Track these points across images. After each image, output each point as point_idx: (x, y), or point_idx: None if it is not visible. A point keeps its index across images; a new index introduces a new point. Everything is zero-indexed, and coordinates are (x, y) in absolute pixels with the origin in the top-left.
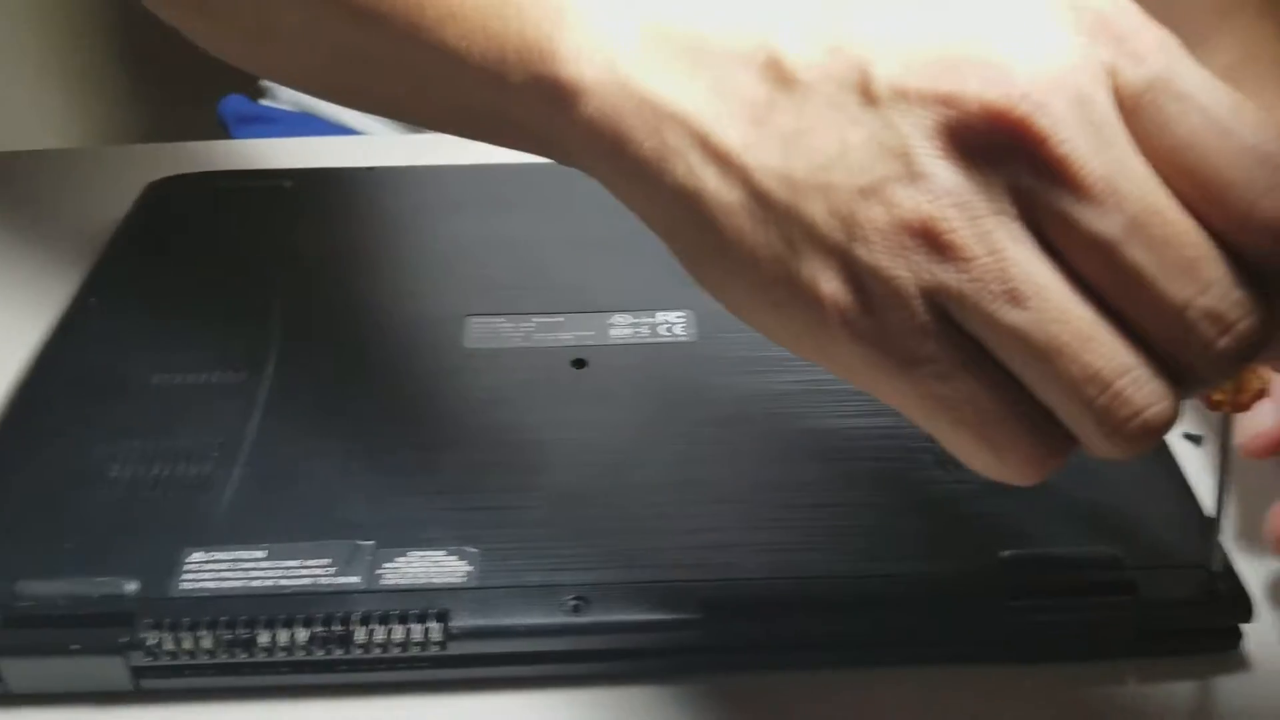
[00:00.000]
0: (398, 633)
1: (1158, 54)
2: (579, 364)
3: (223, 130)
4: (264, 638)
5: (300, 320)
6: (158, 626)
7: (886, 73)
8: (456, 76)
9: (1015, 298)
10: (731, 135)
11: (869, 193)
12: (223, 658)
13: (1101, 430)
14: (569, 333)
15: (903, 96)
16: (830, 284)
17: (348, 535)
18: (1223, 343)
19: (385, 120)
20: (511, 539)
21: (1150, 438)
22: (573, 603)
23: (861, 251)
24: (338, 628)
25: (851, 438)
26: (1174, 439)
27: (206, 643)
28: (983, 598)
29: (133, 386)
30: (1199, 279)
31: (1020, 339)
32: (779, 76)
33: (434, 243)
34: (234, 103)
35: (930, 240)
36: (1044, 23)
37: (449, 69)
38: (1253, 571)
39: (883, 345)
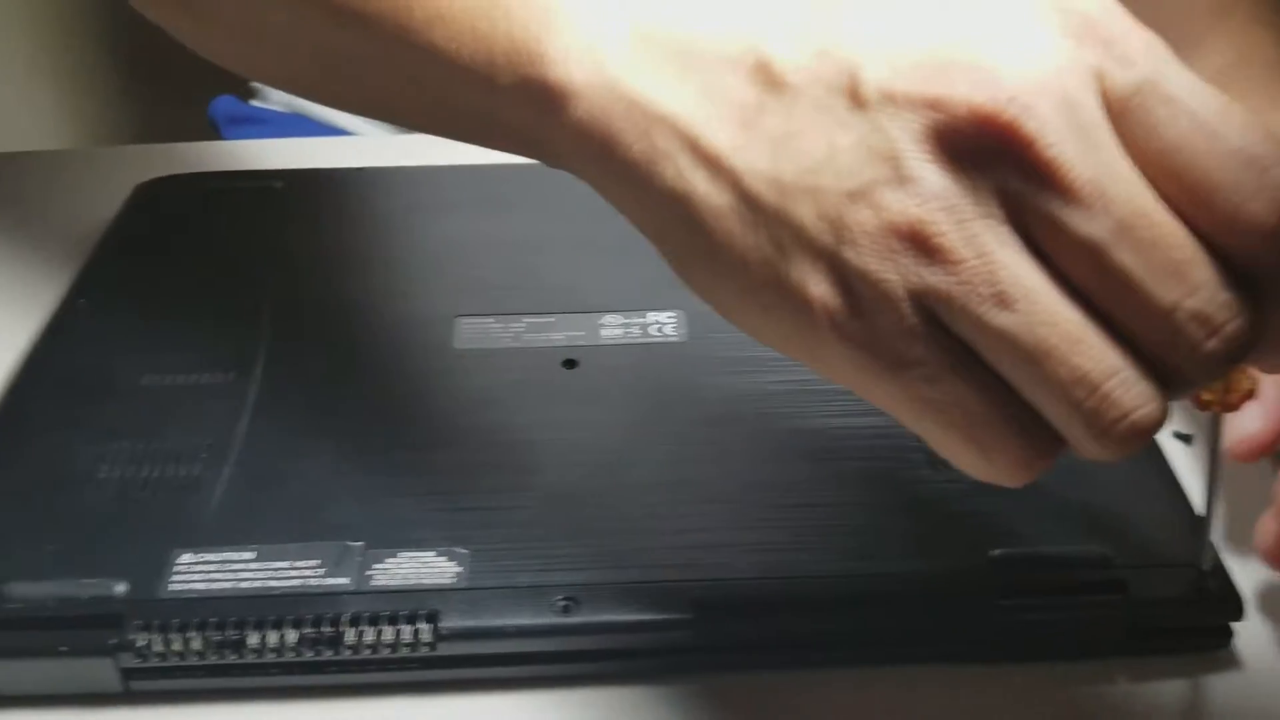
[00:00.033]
0: (387, 634)
1: (1145, 57)
2: (569, 364)
3: (213, 131)
4: (253, 639)
5: (290, 321)
6: (147, 628)
7: (874, 76)
8: (445, 78)
9: (1003, 300)
10: (721, 138)
11: (857, 196)
12: (212, 659)
13: (1090, 432)
14: (559, 333)
15: (890, 100)
16: (819, 287)
17: (337, 536)
18: (1210, 345)
19: (376, 121)
20: (501, 539)
21: (1138, 439)
22: (562, 603)
23: (850, 254)
24: (327, 629)
25: (841, 437)
26: (1164, 438)
27: (196, 644)
28: (973, 597)
29: (122, 388)
30: (1187, 281)
31: (1008, 341)
32: (768, 79)
33: (424, 243)
34: (225, 104)
35: (918, 243)
36: (1031, 26)
37: (437, 71)
38: (1243, 570)
39: (871, 348)
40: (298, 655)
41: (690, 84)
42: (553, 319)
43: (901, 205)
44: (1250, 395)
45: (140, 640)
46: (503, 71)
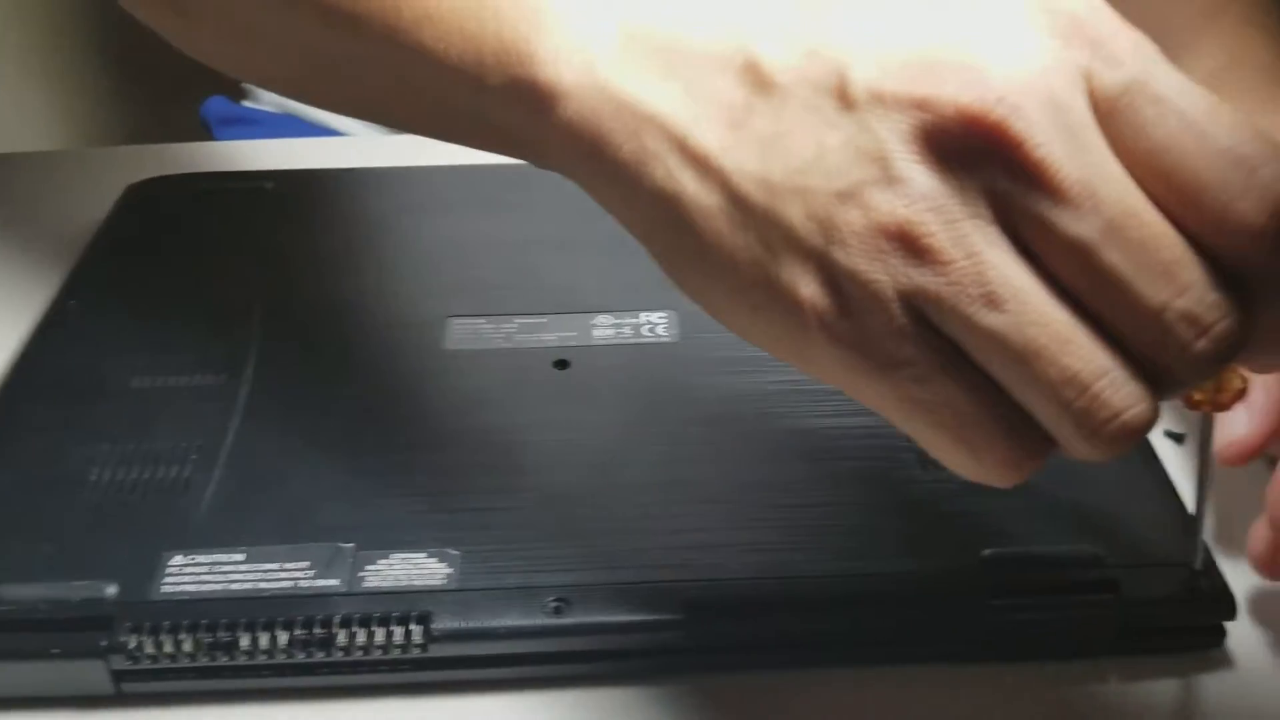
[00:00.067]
0: (379, 635)
1: (1133, 57)
2: (561, 365)
3: (205, 132)
4: (245, 641)
5: (281, 322)
6: (138, 630)
7: (863, 76)
8: (433, 79)
9: (993, 301)
10: (710, 138)
11: (846, 197)
12: (204, 661)
13: (1080, 432)
14: (551, 334)
15: (879, 100)
16: (808, 287)
17: (328, 538)
18: (1200, 345)
19: (367, 122)
20: (493, 540)
21: (1129, 439)
22: (554, 604)
23: (839, 255)
24: (319, 630)
25: (833, 438)
26: (1156, 437)
27: (187, 646)
28: (965, 597)
29: (112, 389)
30: (1176, 281)
31: (998, 342)
32: (756, 80)
33: (415, 244)
34: (216, 104)
35: (907, 244)
36: (1019, 26)
37: (426, 71)
38: (1235, 569)
39: (861, 348)
40: (289, 657)
41: (679, 84)
42: (544, 319)
43: (890, 206)
44: (1242, 395)
45: (131, 642)
46: (492, 71)
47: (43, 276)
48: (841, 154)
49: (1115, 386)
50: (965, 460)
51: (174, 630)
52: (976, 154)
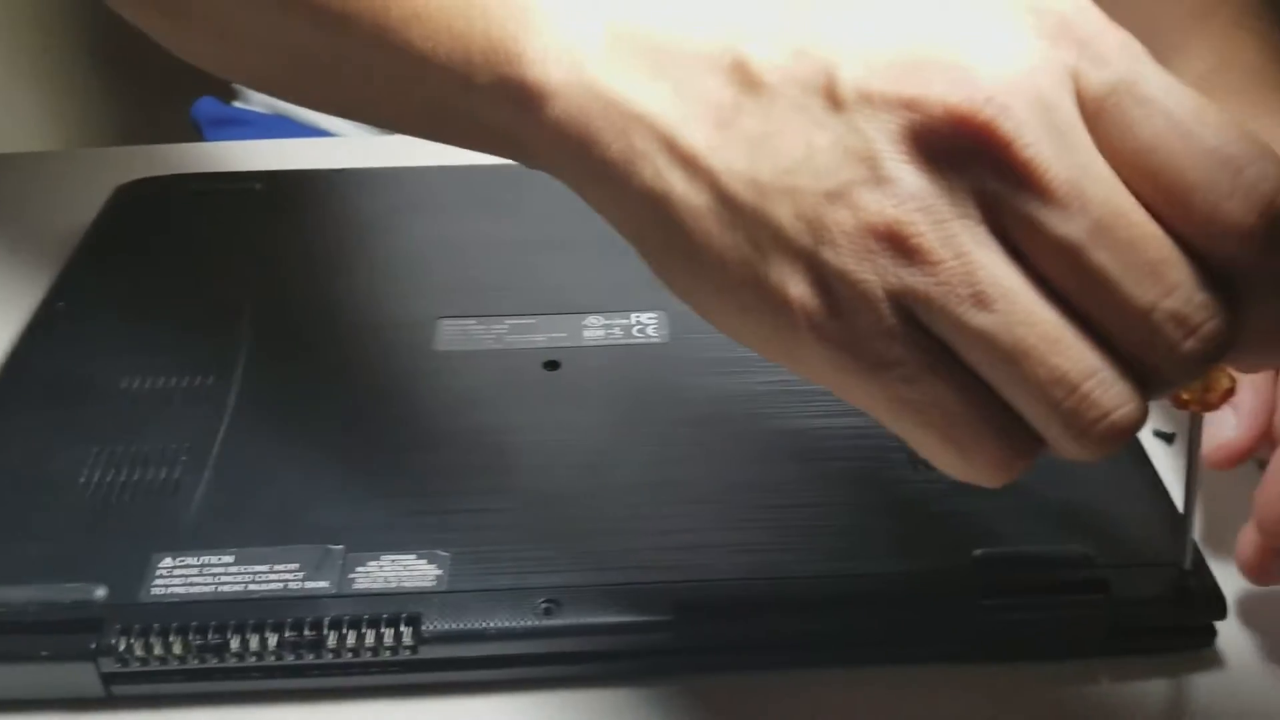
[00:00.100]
0: (368, 637)
1: (1120, 57)
2: (551, 366)
3: (196, 132)
4: (234, 643)
5: (270, 323)
6: (128, 632)
7: (851, 76)
8: (422, 78)
9: (981, 301)
10: (698, 138)
11: (835, 197)
12: (193, 663)
13: (1069, 432)
14: (541, 334)
15: (867, 100)
16: (798, 287)
17: (318, 539)
18: (1188, 345)
19: (357, 122)
20: (483, 542)
21: (1117, 439)
22: (544, 605)
23: (828, 255)
24: (308, 632)
25: (824, 438)
26: (1145, 437)
27: (177, 648)
28: (956, 597)
29: (101, 391)
30: (1164, 281)
31: (987, 341)
32: (745, 79)
33: (405, 245)
34: (206, 105)
35: (896, 244)
36: (1006, 26)
37: (414, 70)
38: (1226, 569)
39: (850, 348)
40: (279, 659)
41: (667, 84)
42: (534, 320)
43: (879, 206)
44: (1230, 394)
45: (121, 644)
46: (480, 70)
47: (32, 278)
48: (830, 154)
49: (1104, 386)
50: (954, 460)
51: (163, 632)
52: (965, 154)
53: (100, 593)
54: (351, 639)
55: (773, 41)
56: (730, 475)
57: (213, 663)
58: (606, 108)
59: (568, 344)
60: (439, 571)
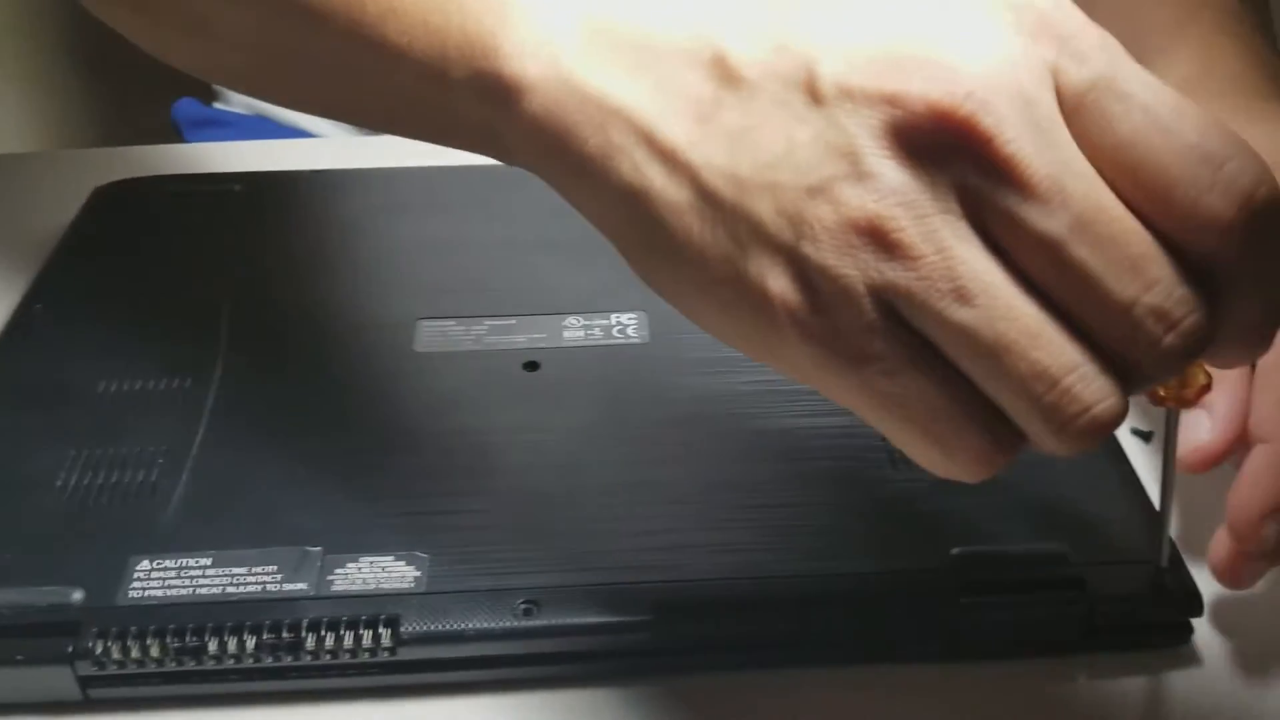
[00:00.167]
0: (347, 639)
1: (1099, 54)
2: (531, 367)
3: (176, 134)
4: (212, 645)
5: (249, 325)
6: (105, 635)
7: (832, 71)
8: (397, 73)
9: (962, 295)
10: (677, 132)
11: (816, 192)
12: (171, 666)
13: (1049, 427)
14: (521, 335)
15: (848, 95)
16: (778, 282)
17: (296, 541)
18: (1168, 340)
19: (338, 122)
20: (462, 543)
21: (1098, 434)
22: (523, 606)
23: (809, 250)
24: (287, 634)
25: (804, 438)
26: (1123, 435)
27: (154, 651)
28: (934, 595)
29: (79, 393)
30: (1144, 276)
31: (968, 336)
32: (724, 74)
33: (384, 246)
34: (187, 106)
35: (877, 239)
36: (986, 23)
37: (390, 66)
38: (1202, 566)
39: (832, 344)
40: (257, 661)
41: (646, 78)
42: (514, 321)
43: (860, 201)
44: (1206, 390)
45: (98, 648)
46: (456, 65)
47: (8, 280)
48: (811, 149)
49: (1085, 381)
50: (936, 456)
51: (141, 635)
52: (946, 149)
53: (77, 596)
54: (330, 641)
55: (752, 37)
56: (710, 475)
57: (190, 665)
58: (584, 102)
59: (547, 345)
60: (418, 573)
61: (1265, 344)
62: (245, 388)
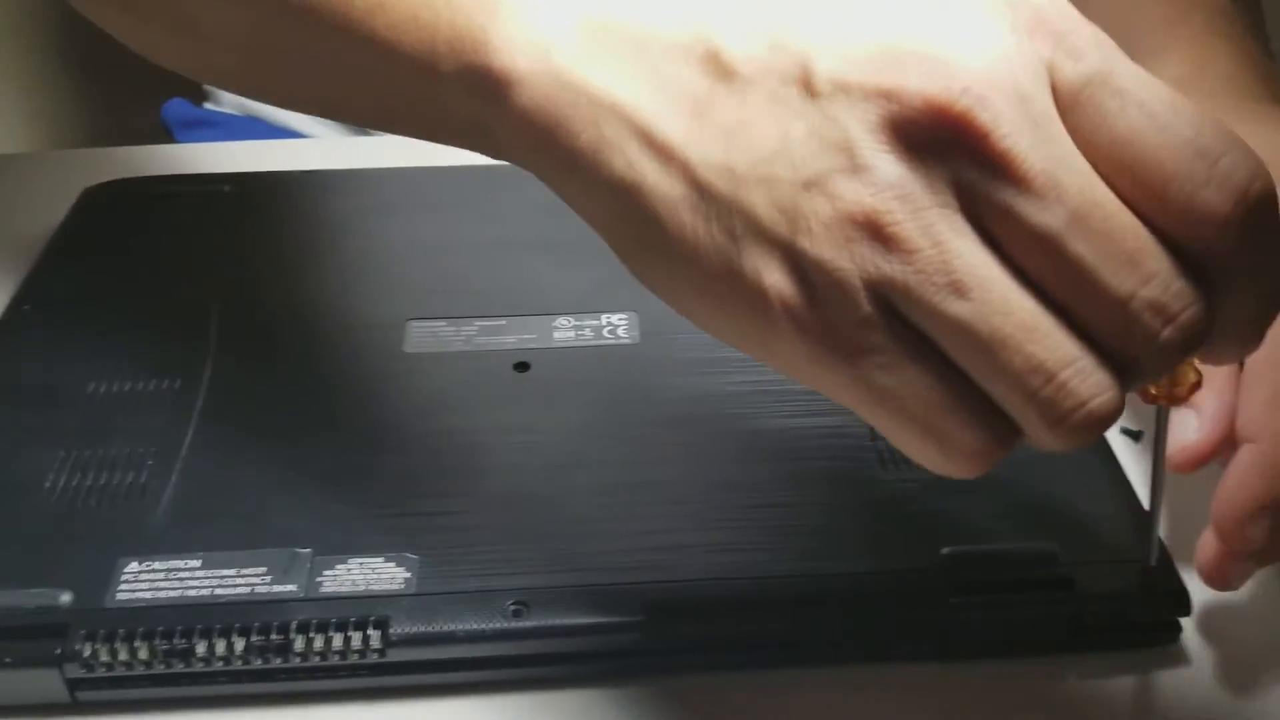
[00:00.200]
0: (336, 641)
1: (1095, 50)
2: (521, 367)
3: (166, 134)
4: (201, 648)
5: (238, 326)
6: (93, 638)
7: (827, 67)
8: (387, 68)
9: (958, 289)
10: (671, 127)
11: (812, 185)
12: (160, 668)
13: (1046, 421)
14: (511, 336)
15: (844, 90)
16: (774, 276)
17: (285, 543)
18: (1166, 333)
19: (330, 123)
20: (452, 544)
21: (1095, 429)
22: (513, 608)
23: (805, 243)
24: (276, 636)
25: (794, 439)
26: (1112, 434)
27: (143, 653)
28: (924, 595)
29: (68, 395)
30: (1141, 270)
31: (964, 330)
32: (719, 69)
33: (373, 246)
34: (177, 107)
35: (874, 232)
36: (981, 20)
37: (379, 61)
38: (1190, 566)
39: (827, 338)
40: (246, 663)
41: (639, 73)
42: (504, 322)
43: (857, 194)
44: (1197, 387)
45: (86, 650)
46: (445, 59)
47: None
48: (806, 143)
49: (1081, 375)
50: (931, 451)
51: (129, 638)
52: (942, 144)
53: (65, 598)
54: (319, 642)
55: (747, 34)
56: (700, 476)
57: (179, 667)
58: (576, 96)
59: (538, 345)
60: (407, 574)
61: (1258, 340)
62: (235, 389)
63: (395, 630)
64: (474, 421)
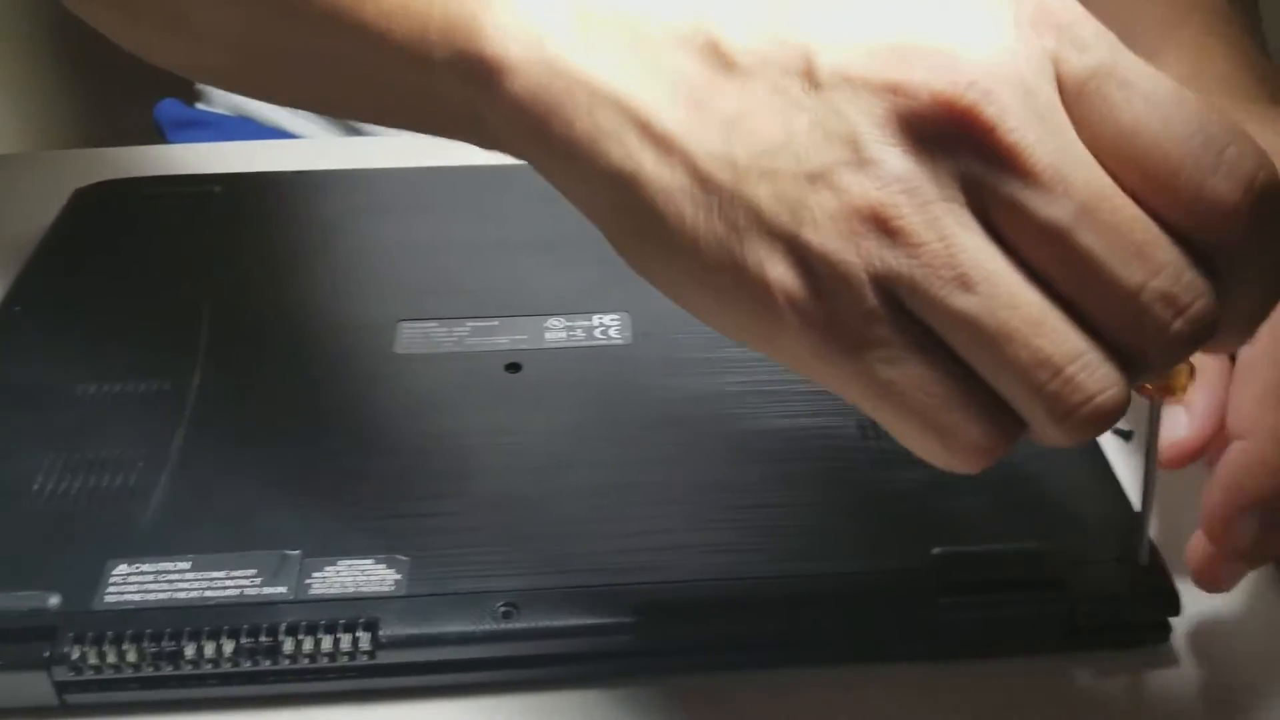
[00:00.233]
0: (326, 642)
1: (1099, 42)
2: (513, 368)
3: (159, 135)
4: (190, 650)
5: (229, 327)
6: (81, 640)
7: (830, 60)
8: (378, 59)
9: (965, 283)
10: (670, 117)
11: (816, 178)
12: (148, 671)
13: (1052, 416)
14: (503, 337)
15: (848, 83)
16: (777, 269)
17: (275, 545)
18: (1177, 325)
19: (322, 123)
20: (442, 546)
21: (1101, 423)
22: (503, 609)
23: (810, 236)
24: (265, 638)
25: (786, 439)
26: (1103, 434)
27: (131, 656)
28: (915, 595)
29: (58, 396)
30: (1151, 262)
31: (970, 324)
32: (719, 60)
33: (365, 247)
34: (169, 107)
35: (880, 226)
36: (986, 13)
37: (370, 51)
38: (1181, 565)
39: (832, 331)
40: (235, 665)
41: (637, 62)
42: (496, 322)
43: (862, 188)
44: (1191, 380)
45: (75, 653)
46: (437, 47)
47: None
48: (810, 136)
49: (1088, 369)
50: (934, 445)
51: (118, 640)
52: (949, 138)
53: (54, 601)
54: (309, 644)
55: (747, 25)
56: (692, 476)
57: (168, 670)
58: (570, 85)
59: (529, 346)
60: (397, 576)
61: (1254, 331)
62: (225, 390)
63: (385, 632)
64: (465, 422)
